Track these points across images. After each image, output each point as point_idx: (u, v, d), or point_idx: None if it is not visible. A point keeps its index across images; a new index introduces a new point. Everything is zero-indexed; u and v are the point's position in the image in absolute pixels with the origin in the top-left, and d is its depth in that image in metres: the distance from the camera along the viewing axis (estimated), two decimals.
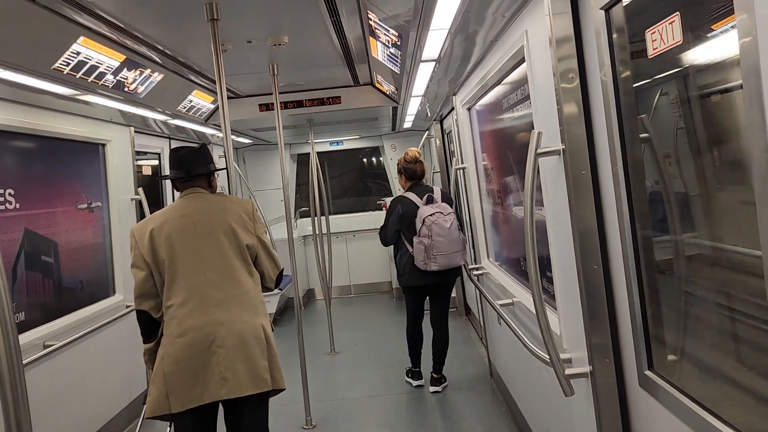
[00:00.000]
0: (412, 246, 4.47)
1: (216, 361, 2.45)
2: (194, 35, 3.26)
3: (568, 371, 2.13)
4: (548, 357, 2.13)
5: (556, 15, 2.00)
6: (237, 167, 6.86)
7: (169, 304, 2.53)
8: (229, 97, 5.42)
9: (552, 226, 2.43)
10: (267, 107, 5.38)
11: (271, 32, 3.39)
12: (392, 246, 4.78)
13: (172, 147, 5.59)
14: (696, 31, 1.63)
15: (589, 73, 1.98)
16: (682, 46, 1.62)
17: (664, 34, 1.53)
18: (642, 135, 1.84)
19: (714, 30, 1.45)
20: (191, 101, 4.75)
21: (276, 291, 6.91)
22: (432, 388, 4.72)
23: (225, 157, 3.03)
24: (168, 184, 5.43)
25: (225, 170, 3.02)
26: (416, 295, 4.69)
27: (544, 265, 2.67)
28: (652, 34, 1.58)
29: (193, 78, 4.33)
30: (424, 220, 4.35)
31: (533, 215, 2.12)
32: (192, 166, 2.71)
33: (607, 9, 1.78)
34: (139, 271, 2.57)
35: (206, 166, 2.75)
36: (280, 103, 5.15)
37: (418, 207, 4.44)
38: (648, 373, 1.81)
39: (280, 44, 3.51)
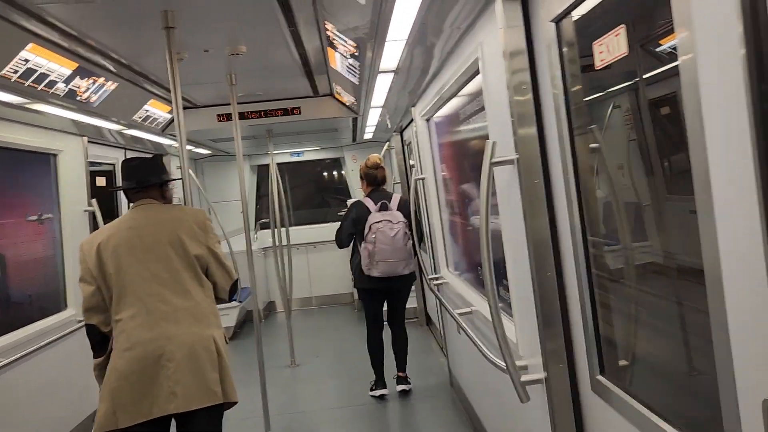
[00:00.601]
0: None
1: (165, 375, 2.41)
2: (150, 43, 3.21)
3: (523, 378, 2.15)
4: (504, 364, 2.15)
5: (508, 28, 2.04)
6: (195, 178, 6.77)
7: (118, 318, 2.49)
8: (186, 107, 5.36)
9: (507, 234, 2.47)
10: (225, 117, 5.33)
11: (228, 41, 3.36)
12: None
13: (126, 157, 5.52)
14: (645, 45, 1.69)
15: (541, 85, 2.03)
16: (631, 60, 1.67)
17: (610, 46, 1.58)
18: (591, 145, 1.89)
19: (662, 44, 1.51)
20: (147, 111, 4.67)
21: (235, 303, 6.89)
22: (399, 387, 4.79)
23: (181, 168, 2.98)
24: (123, 195, 5.32)
25: (179, 180, 2.97)
26: (371, 297, 4.76)
27: (501, 273, 2.71)
28: (599, 45, 1.62)
29: (148, 87, 4.26)
30: (371, 227, 4.46)
31: (489, 224, 2.14)
32: (143, 176, 2.67)
33: (557, 22, 1.82)
34: (87, 285, 2.54)
35: (158, 176, 2.71)
36: (239, 113, 5.12)
37: (370, 212, 4.51)
38: (600, 378, 1.85)
39: (238, 54, 3.49)
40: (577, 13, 1.77)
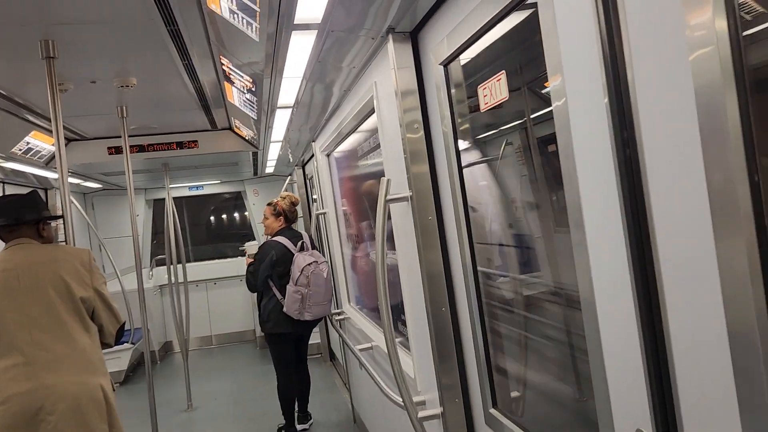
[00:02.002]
0: (281, 292, 4.37)
1: (45, 430, 2.21)
2: (29, 73, 3.02)
3: (420, 414, 2.16)
4: (402, 401, 2.15)
5: (400, 69, 2.10)
6: (84, 214, 6.39)
7: None
8: (74, 139, 5.09)
9: (403, 270, 2.49)
10: (116, 150, 5.10)
11: (117, 73, 3.23)
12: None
13: (5, 193, 5.13)
14: (532, 86, 1.78)
15: (432, 124, 2.08)
16: (520, 100, 1.76)
17: (493, 90, 1.65)
18: (480, 183, 1.96)
19: (547, 86, 1.60)
20: (29, 143, 4.38)
21: (128, 345, 6.51)
22: (300, 426, 4.69)
23: (62, 203, 2.80)
24: None
25: (59, 218, 2.78)
26: (284, 342, 4.54)
27: (401, 308, 2.72)
28: (483, 89, 1.69)
29: (30, 118, 4.00)
30: (303, 269, 4.27)
31: (384, 260, 2.16)
32: (19, 213, 2.48)
33: (446, 65, 1.89)
34: None
35: (36, 213, 2.53)
36: (132, 146, 4.91)
37: (293, 254, 4.37)
38: (492, 411, 1.89)
39: (128, 86, 3.35)
40: (465, 57, 1.84)
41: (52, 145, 4.75)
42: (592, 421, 1.31)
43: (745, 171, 0.83)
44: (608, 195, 1.12)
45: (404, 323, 2.73)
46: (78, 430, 2.27)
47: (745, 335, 0.86)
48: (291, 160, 6.34)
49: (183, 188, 8.46)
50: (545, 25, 1.26)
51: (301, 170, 6.99)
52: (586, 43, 1.12)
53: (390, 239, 2.54)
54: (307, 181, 6.84)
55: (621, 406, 1.18)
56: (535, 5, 1.29)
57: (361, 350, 3.37)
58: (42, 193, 6.09)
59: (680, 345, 1.01)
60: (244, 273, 4.65)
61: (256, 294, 4.64)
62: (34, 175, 5.30)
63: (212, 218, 9.53)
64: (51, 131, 4.39)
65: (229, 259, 8.62)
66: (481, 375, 1.93)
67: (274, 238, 4.50)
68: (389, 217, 2.48)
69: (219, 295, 8.50)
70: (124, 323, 2.63)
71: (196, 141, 5.28)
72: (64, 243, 2.85)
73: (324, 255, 4.89)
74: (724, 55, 0.83)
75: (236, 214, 9.39)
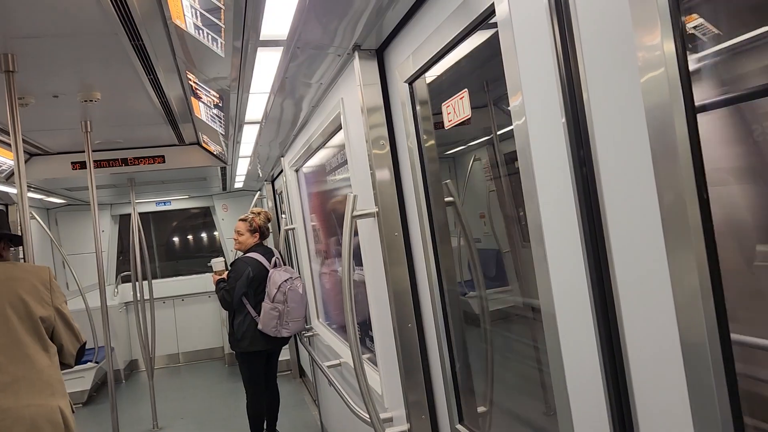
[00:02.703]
0: (255, 309, 4.30)
1: None
2: None
3: (388, 430, 2.14)
4: (369, 417, 2.14)
5: (366, 85, 2.11)
6: (47, 230, 6.25)
7: None
8: (37, 154, 4.99)
9: (370, 285, 2.49)
10: (80, 165, 5.01)
11: (80, 87, 3.18)
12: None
13: None
14: (498, 103, 1.80)
15: (398, 140, 2.10)
16: (486, 116, 1.78)
17: (456, 108, 1.67)
18: (446, 199, 1.97)
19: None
20: None
21: (91, 364, 6.35)
22: None
23: (19, 222, 2.73)
24: None
25: (18, 240, 2.69)
26: (257, 360, 4.45)
27: (368, 324, 2.72)
28: (447, 107, 1.71)
29: None
30: (279, 286, 4.21)
31: (351, 275, 2.15)
32: None
33: (410, 83, 1.91)
34: None
35: None
36: (96, 161, 4.84)
37: (268, 270, 4.32)
38: (459, 427, 1.89)
39: (91, 100, 3.31)
40: (431, 74, 1.86)
41: (13, 159, 4.65)
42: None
43: (694, 188, 0.86)
44: (566, 211, 1.14)
45: (372, 339, 2.72)
46: None
47: (697, 347, 0.88)
48: (260, 175, 6.31)
49: (150, 203, 8.34)
50: (505, 44, 1.28)
51: (270, 185, 6.95)
52: (544, 64, 1.14)
53: (357, 255, 2.53)
54: (276, 196, 6.81)
55: (582, 420, 1.19)
56: (495, 25, 1.32)
57: (329, 367, 3.35)
58: (2, 208, 5.94)
59: (637, 357, 1.03)
60: (213, 290, 4.55)
61: (227, 312, 4.55)
62: None
63: (180, 234, 9.40)
64: (10, 145, 4.32)
65: (197, 276, 8.49)
66: (447, 391, 1.93)
67: (248, 255, 4.40)
68: (356, 233, 2.48)
69: (187, 312, 8.37)
70: (84, 343, 2.56)
71: (163, 156, 5.21)
72: (22, 260, 2.77)
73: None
74: (673, 77, 0.86)
75: (205, 230, 9.28)
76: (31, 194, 5.73)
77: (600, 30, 1.01)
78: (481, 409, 1.97)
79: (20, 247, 4.55)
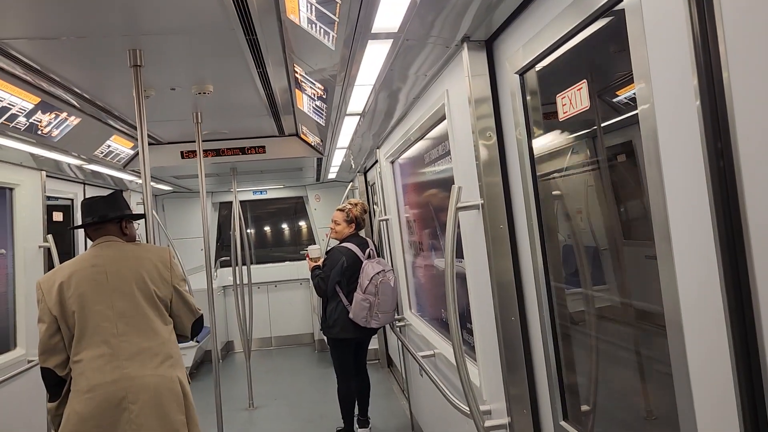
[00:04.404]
0: (348, 299, 4.42)
1: (127, 418, 2.32)
2: (115, 80, 3.19)
3: (487, 423, 2.14)
4: (468, 409, 2.14)
5: (474, 77, 2.11)
6: (156, 215, 6.65)
7: (78, 359, 2.40)
8: (150, 143, 5.31)
9: (471, 278, 2.48)
10: (190, 154, 5.29)
11: (196, 80, 3.36)
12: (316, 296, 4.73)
13: (87, 194, 5.40)
14: (603, 95, 1.75)
15: (505, 131, 2.08)
16: (590, 109, 1.73)
17: (573, 100, 1.64)
18: (554, 192, 1.94)
19: (618, 95, 1.57)
20: (109, 146, 4.60)
21: (193, 343, 6.72)
22: (362, 430, 4.76)
23: (144, 205, 2.93)
24: (81, 232, 5.18)
25: (143, 217, 2.91)
26: (347, 347, 4.57)
27: (465, 316, 2.72)
28: (562, 99, 1.68)
29: (112, 123, 4.20)
30: (372, 278, 4.30)
31: (454, 268, 2.16)
32: (104, 211, 2.62)
33: (522, 74, 1.89)
34: (45, 325, 2.44)
35: (119, 211, 2.66)
36: (204, 150, 5.09)
37: (361, 261, 4.42)
38: (563, 423, 1.86)
39: (204, 92, 3.49)
40: (540, 65, 1.83)
41: (131, 148, 4.98)
42: None
43: None
44: (698, 205, 1.09)
45: (469, 332, 2.72)
46: (157, 420, 2.37)
47: None
48: (353, 167, 6.42)
49: (247, 192, 8.68)
50: (633, 30, 1.24)
51: (362, 177, 7.06)
52: (678, 46, 1.10)
53: (457, 247, 2.54)
54: (369, 187, 6.91)
55: (707, 426, 1.15)
56: (622, 11, 1.28)
57: (423, 357, 3.38)
58: None
59: None
60: (306, 277, 4.71)
61: (321, 298, 4.70)
62: (111, 176, 5.56)
63: (274, 222, 9.74)
64: (130, 135, 4.63)
65: (289, 263, 8.78)
66: (551, 387, 1.90)
67: (343, 245, 4.53)
68: (458, 226, 2.48)
69: (279, 298, 8.67)
70: (201, 316, 2.74)
71: (264, 146, 5.42)
72: (144, 242, 2.98)
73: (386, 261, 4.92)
74: None
75: (297, 219, 9.56)
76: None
77: (744, 5, 0.95)
78: (584, 407, 1.93)
79: (142, 229, 4.87)
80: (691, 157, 1.09)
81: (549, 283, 1.90)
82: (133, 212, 2.81)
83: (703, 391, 1.15)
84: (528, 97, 1.90)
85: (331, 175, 7.38)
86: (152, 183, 6.78)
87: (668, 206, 1.19)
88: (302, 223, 9.46)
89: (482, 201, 2.13)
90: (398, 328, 4.41)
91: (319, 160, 6.03)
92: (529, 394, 2.06)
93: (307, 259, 4.74)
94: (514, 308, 2.07)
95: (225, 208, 8.69)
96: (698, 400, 1.16)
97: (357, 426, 4.76)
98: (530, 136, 1.90)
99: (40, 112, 3.34)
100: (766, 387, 0.99)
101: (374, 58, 2.38)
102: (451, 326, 2.14)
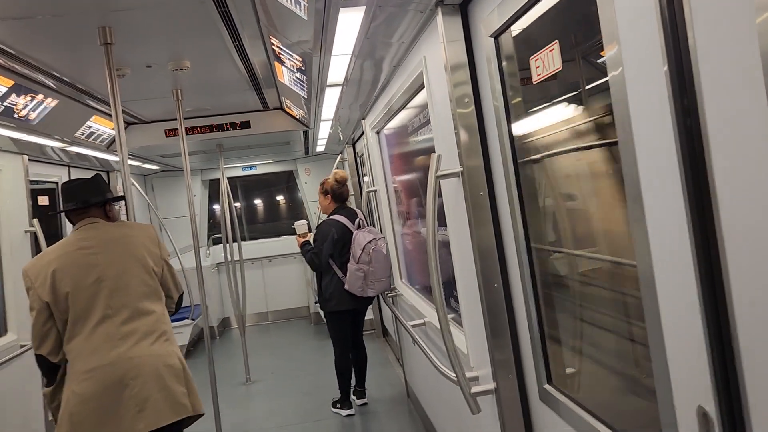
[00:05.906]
0: (342, 270, 4.43)
1: (129, 394, 2.34)
2: (89, 60, 3.12)
3: (474, 389, 2.16)
4: (455, 376, 2.16)
5: (450, 42, 2.07)
6: (144, 195, 6.61)
7: (74, 342, 2.40)
8: (133, 123, 5.25)
9: (455, 246, 2.48)
10: (173, 132, 5.24)
11: (171, 57, 3.30)
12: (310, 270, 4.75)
13: (72, 176, 5.34)
14: (587, 57, 1.72)
15: (483, 98, 2.05)
16: (573, 71, 1.71)
17: (546, 61, 1.61)
18: (533, 156, 1.92)
19: (603, 56, 1.55)
20: (90, 127, 4.54)
21: (188, 321, 6.74)
22: (360, 401, 4.82)
23: (123, 185, 2.90)
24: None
25: (122, 199, 2.88)
26: (344, 319, 4.61)
27: (452, 284, 2.72)
28: (535, 60, 1.65)
29: (91, 103, 4.14)
30: (364, 247, 4.31)
31: (435, 236, 2.16)
32: (87, 196, 2.59)
33: (496, 37, 1.85)
34: (37, 312, 2.42)
35: (102, 195, 2.64)
36: (187, 128, 5.04)
37: (351, 232, 4.42)
38: (547, 387, 1.87)
39: (182, 69, 3.43)
40: (516, 28, 1.80)
41: (113, 129, 4.92)
42: (651, 398, 1.28)
43: None
44: (667, 167, 1.08)
45: (456, 299, 2.73)
46: (160, 392, 2.39)
47: None
48: (341, 138, 6.37)
49: (237, 168, 8.63)
50: None
51: (351, 148, 7.02)
52: (644, 7, 1.07)
53: (441, 215, 2.53)
54: (358, 159, 6.87)
55: (681, 383, 1.15)
56: None
57: (413, 326, 3.40)
58: (104, 176, 6.32)
59: (745, 317, 0.97)
60: (298, 251, 4.72)
61: (315, 273, 4.72)
62: (96, 158, 5.50)
63: (266, 198, 9.71)
64: (111, 115, 4.57)
65: (282, 237, 8.78)
66: (535, 351, 1.91)
67: (332, 217, 4.54)
68: (440, 194, 2.47)
69: (274, 273, 8.69)
70: (182, 293, 2.76)
71: (249, 121, 5.36)
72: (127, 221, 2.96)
73: None
74: None
75: (288, 193, 9.53)
76: (129, 161, 6.06)
77: None
78: (569, 370, 1.94)
79: (123, 210, 4.85)
80: (659, 120, 1.08)
81: (530, 249, 1.90)
82: (116, 195, 2.78)
83: (677, 351, 1.15)
84: (504, 63, 1.87)
85: (320, 148, 7.34)
86: (138, 163, 6.75)
87: (639, 169, 1.18)
88: (294, 198, 9.44)
89: (462, 168, 2.11)
90: (390, 299, 4.43)
91: (306, 133, 5.98)
92: (514, 359, 2.07)
93: (296, 235, 4.76)
94: (497, 274, 2.07)
95: (215, 186, 8.65)
96: (672, 361, 1.16)
97: (354, 397, 4.81)
98: (507, 102, 1.87)
99: (14, 94, 3.28)
100: (734, 332, 1.00)
101: (349, 26, 2.33)
102: (435, 294, 2.14)
